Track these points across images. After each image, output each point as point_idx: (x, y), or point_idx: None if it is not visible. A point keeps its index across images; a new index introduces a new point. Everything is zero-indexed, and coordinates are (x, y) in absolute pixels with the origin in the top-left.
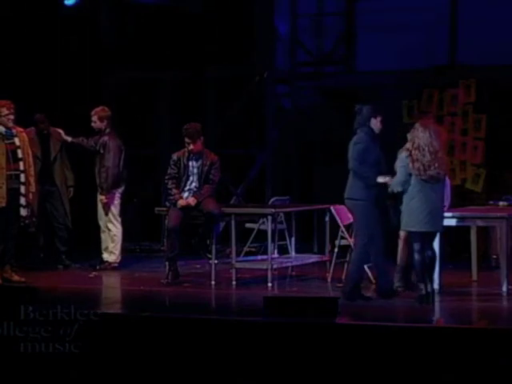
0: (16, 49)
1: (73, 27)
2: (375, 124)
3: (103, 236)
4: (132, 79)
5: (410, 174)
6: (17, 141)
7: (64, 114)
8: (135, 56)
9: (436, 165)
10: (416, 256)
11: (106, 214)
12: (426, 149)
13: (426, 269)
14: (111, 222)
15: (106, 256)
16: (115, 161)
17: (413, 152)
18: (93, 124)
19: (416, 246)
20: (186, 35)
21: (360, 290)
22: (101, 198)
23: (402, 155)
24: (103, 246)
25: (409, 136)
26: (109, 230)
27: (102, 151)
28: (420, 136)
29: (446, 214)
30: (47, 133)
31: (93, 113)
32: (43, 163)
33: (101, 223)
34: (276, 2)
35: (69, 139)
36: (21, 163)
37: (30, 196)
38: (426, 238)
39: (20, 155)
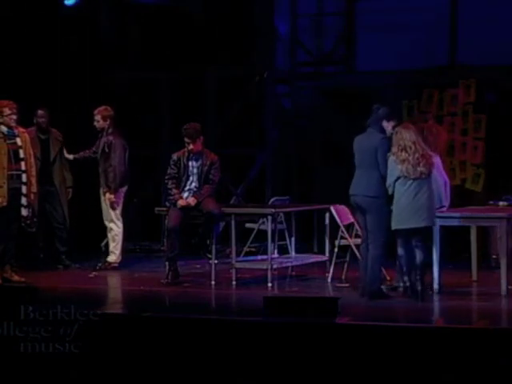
0: (16, 49)
1: (73, 27)
2: (387, 126)
3: (109, 236)
4: (132, 79)
5: (397, 179)
6: (19, 141)
7: (64, 113)
8: (135, 56)
9: (424, 161)
10: (400, 251)
11: (112, 212)
12: (413, 147)
13: (415, 266)
14: (113, 221)
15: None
16: (121, 159)
17: (399, 154)
18: (96, 123)
19: (400, 242)
20: (186, 35)
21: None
22: (109, 197)
23: (390, 159)
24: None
25: (393, 140)
26: (110, 229)
27: (107, 150)
28: (404, 137)
29: (446, 214)
30: (45, 127)
31: (96, 112)
32: (42, 163)
33: (106, 223)
34: (276, 2)
35: (71, 157)
36: (22, 163)
37: (32, 196)
38: (416, 235)
39: (22, 155)
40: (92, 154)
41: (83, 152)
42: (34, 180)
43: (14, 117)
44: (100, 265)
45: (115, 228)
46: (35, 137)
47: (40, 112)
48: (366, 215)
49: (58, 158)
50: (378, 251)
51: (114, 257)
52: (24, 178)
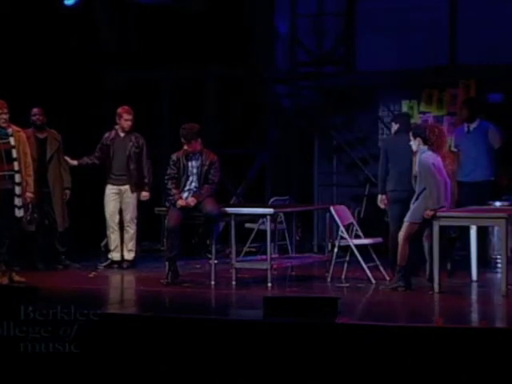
0: (16, 49)
1: (73, 27)
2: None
3: (113, 236)
4: (132, 79)
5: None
6: (12, 140)
7: (63, 114)
8: (135, 56)
9: None
10: None
11: (132, 212)
12: None
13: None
14: (133, 220)
15: (114, 255)
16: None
17: None
18: (130, 123)
19: None
20: (185, 35)
21: None
22: (145, 194)
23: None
24: (113, 246)
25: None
26: (129, 228)
27: (137, 150)
28: None
29: (446, 214)
30: (41, 124)
31: (129, 112)
32: (38, 163)
33: (113, 224)
34: (276, 2)
35: (75, 163)
36: (15, 163)
37: (29, 195)
38: None
39: (14, 155)
40: (96, 159)
41: (86, 157)
42: (30, 180)
43: (5, 116)
44: (105, 264)
45: (133, 227)
46: (32, 136)
47: (34, 110)
48: (404, 207)
49: (54, 157)
50: None
51: (133, 254)
52: (17, 178)
